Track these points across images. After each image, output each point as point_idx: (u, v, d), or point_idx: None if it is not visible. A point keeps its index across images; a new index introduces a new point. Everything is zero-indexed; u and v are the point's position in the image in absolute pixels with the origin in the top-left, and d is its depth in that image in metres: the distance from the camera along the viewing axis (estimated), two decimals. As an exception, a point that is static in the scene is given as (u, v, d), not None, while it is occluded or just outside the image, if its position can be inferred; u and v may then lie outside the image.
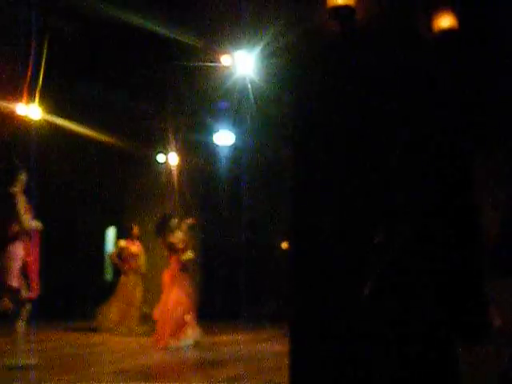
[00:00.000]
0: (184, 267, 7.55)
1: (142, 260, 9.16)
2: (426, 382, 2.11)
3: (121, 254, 9.11)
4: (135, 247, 9.14)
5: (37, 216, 5.69)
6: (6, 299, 5.41)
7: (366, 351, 2.73)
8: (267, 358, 6.15)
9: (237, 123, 9.78)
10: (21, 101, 8.11)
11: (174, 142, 10.42)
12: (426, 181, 2.18)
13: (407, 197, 2.29)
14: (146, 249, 9.37)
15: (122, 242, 9.22)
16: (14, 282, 5.31)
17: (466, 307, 2.07)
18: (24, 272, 5.47)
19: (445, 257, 2.07)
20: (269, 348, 6.98)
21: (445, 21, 3.07)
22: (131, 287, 8.89)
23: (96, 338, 7.97)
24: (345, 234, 3.10)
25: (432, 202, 2.14)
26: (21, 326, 5.41)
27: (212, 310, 10.15)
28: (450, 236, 2.08)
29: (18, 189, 5.42)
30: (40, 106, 8.36)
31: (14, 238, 5.51)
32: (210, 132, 10.25)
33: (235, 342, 7.49)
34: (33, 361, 5.35)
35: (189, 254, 7.72)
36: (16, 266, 5.38)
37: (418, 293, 2.08)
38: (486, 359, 2.88)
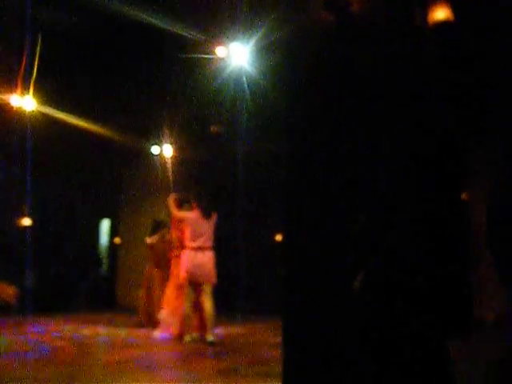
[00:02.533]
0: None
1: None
2: (418, 379, 2.13)
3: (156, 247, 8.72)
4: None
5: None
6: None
7: (358, 344, 2.75)
8: (262, 350, 6.18)
9: (232, 115, 9.75)
10: (15, 92, 8.07)
11: (169, 134, 10.40)
12: (420, 177, 2.18)
13: (400, 193, 2.30)
14: (140, 240, 9.35)
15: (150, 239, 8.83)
16: None
17: (452, 304, 2.08)
18: None
19: (433, 253, 2.07)
20: (264, 340, 7.01)
21: (441, 12, 3.07)
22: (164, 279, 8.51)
23: (88, 331, 7.97)
24: (338, 228, 3.11)
25: (424, 198, 2.15)
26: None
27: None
28: (439, 232, 2.09)
29: None
30: (34, 97, 8.32)
31: None
32: (206, 124, 10.22)
33: (230, 334, 7.52)
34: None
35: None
36: None
37: (407, 290, 2.09)
38: (479, 354, 2.91)
